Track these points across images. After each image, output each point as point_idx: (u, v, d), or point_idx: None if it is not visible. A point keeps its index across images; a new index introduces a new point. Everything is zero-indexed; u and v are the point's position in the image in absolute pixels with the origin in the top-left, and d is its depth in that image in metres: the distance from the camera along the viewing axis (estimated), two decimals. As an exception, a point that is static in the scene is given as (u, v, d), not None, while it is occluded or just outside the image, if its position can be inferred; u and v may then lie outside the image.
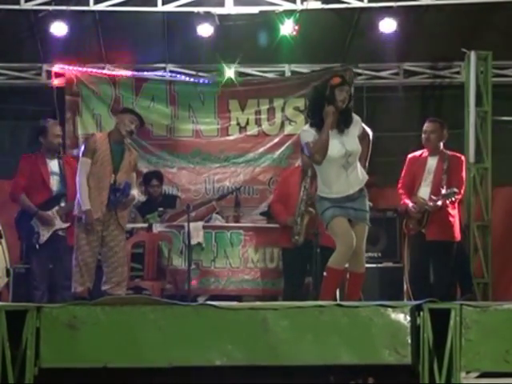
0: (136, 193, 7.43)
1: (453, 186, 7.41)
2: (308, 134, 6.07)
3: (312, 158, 6.11)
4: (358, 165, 6.11)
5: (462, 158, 7.79)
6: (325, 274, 6.19)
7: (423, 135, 7.69)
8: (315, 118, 6.08)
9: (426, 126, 7.70)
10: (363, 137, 6.19)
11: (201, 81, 10.14)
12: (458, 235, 7.64)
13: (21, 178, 7.63)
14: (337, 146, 5.98)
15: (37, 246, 7.46)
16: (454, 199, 7.43)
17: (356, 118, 6.18)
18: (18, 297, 8.27)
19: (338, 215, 6.02)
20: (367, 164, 6.28)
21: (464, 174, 7.77)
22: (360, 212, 6.08)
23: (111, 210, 7.09)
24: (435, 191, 7.49)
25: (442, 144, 7.66)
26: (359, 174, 6.09)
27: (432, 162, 7.59)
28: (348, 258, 6.07)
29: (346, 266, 6.23)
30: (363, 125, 6.24)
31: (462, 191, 7.64)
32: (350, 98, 6.08)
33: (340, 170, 6.02)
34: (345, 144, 5.99)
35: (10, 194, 7.72)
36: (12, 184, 7.72)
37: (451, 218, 7.53)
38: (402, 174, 7.82)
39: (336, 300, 6.21)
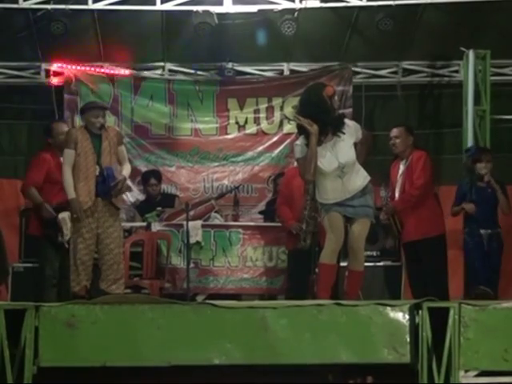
0: (126, 172, 7.14)
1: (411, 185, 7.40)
2: (299, 148, 5.97)
3: (302, 178, 6.12)
4: (357, 168, 6.04)
5: (421, 153, 7.59)
6: (317, 270, 6.21)
7: (390, 142, 7.67)
8: (305, 132, 5.93)
9: (392, 131, 7.67)
10: (365, 140, 6.16)
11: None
12: (433, 230, 7.48)
13: (35, 174, 7.53)
14: (329, 159, 5.92)
15: (66, 245, 7.35)
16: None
17: (354, 126, 6.10)
18: (17, 296, 8.28)
19: (334, 211, 6.02)
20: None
21: (421, 169, 7.48)
22: (360, 208, 6.04)
23: (105, 200, 7.00)
24: (400, 195, 7.54)
25: (410, 148, 7.58)
26: (357, 180, 6.03)
27: (402, 167, 7.58)
28: (337, 252, 6.09)
29: (345, 264, 6.26)
30: (362, 130, 6.17)
31: (419, 186, 7.42)
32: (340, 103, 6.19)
33: (335, 180, 5.99)
34: (338, 156, 5.93)
35: (20, 190, 7.62)
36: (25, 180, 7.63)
37: (418, 216, 7.43)
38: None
39: (333, 295, 6.19)
